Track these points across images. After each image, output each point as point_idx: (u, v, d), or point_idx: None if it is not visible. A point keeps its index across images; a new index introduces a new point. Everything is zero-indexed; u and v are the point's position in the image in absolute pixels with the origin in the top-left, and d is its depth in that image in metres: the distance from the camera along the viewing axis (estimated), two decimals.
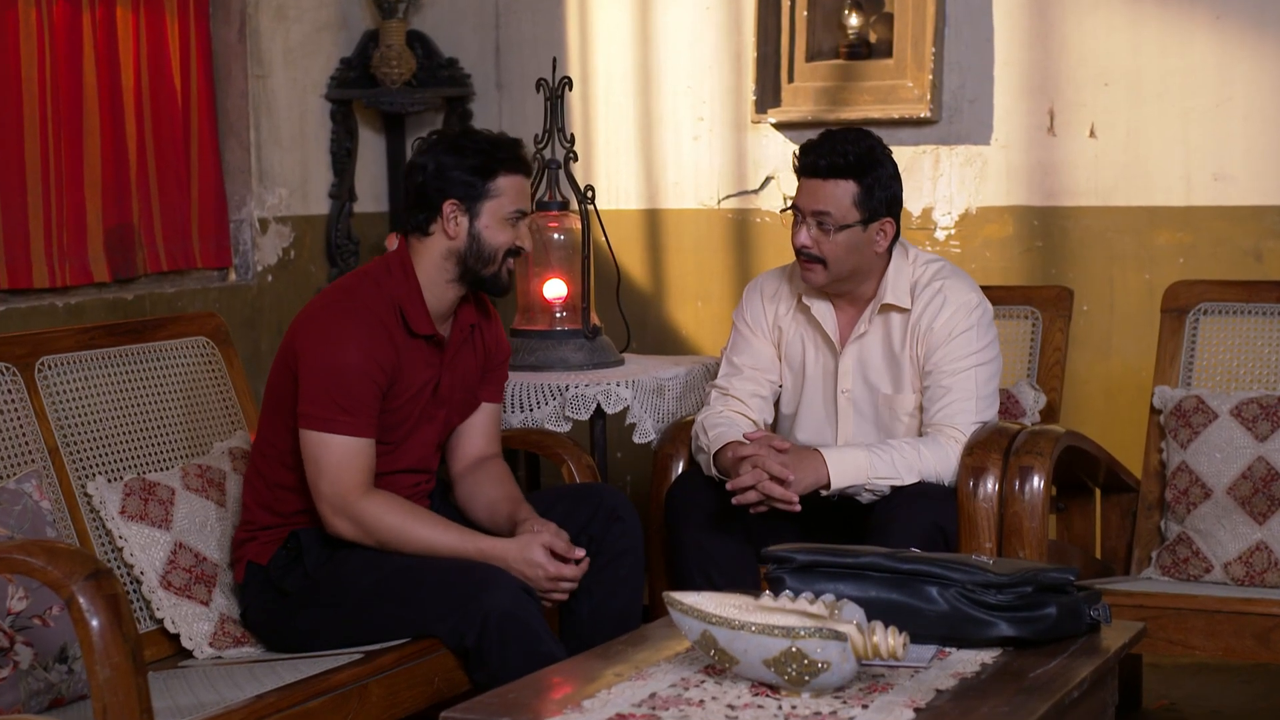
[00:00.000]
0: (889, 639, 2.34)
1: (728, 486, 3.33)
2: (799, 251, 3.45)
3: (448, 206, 3.20)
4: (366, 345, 3.13)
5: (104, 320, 4.15)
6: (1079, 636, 2.66)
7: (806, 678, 2.33)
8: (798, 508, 3.29)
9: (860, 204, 3.40)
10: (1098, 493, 3.87)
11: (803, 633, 2.32)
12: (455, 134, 3.30)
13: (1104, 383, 4.46)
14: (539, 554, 3.11)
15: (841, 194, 3.40)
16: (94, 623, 2.39)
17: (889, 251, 3.48)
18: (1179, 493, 3.63)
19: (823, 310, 3.55)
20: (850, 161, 3.39)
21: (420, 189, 3.22)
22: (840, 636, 2.31)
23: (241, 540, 3.27)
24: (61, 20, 4.27)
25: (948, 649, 2.60)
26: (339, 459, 3.11)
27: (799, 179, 3.46)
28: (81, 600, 2.39)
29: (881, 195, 3.41)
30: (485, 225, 3.21)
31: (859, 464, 3.33)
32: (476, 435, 3.43)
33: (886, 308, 3.50)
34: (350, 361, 3.11)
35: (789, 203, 3.49)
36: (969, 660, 2.55)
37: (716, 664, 2.45)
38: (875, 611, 2.50)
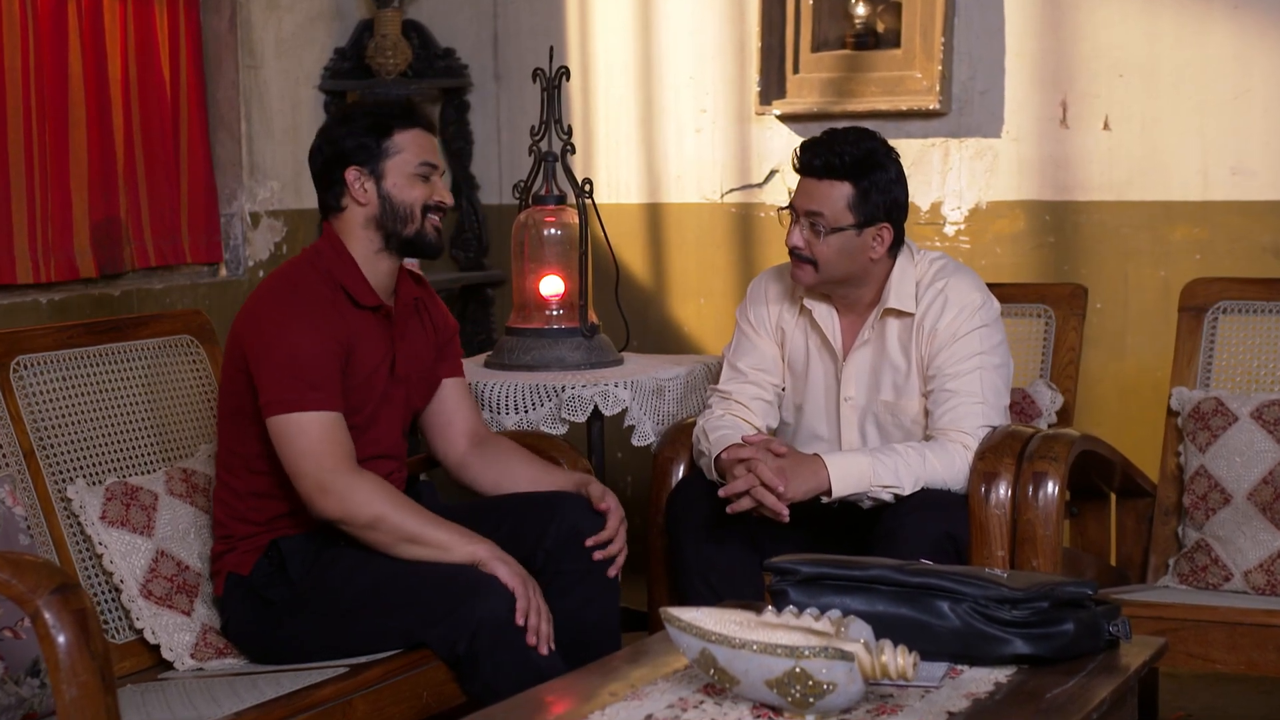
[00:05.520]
0: (898, 659, 2.23)
1: (720, 493, 3.23)
2: (790, 251, 3.37)
3: (350, 174, 3.14)
4: (317, 322, 3.06)
5: (90, 317, 4.05)
6: (1097, 654, 2.54)
7: (811, 699, 2.22)
8: (785, 519, 3.19)
9: (855, 207, 3.31)
10: (1113, 497, 3.76)
11: (807, 652, 2.20)
12: (344, 107, 3.27)
13: (1117, 383, 4.38)
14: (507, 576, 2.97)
15: (836, 196, 3.31)
16: (60, 639, 2.29)
17: (891, 256, 3.38)
18: (1197, 498, 3.52)
19: (824, 315, 3.45)
20: (846, 163, 3.31)
21: (323, 168, 3.17)
22: (847, 656, 2.20)
23: (220, 553, 3.16)
24: (46, 8, 4.18)
25: (960, 667, 2.49)
26: (317, 435, 3.00)
27: (799, 176, 3.38)
28: (47, 615, 2.29)
29: (879, 199, 3.32)
30: (393, 184, 3.15)
31: (862, 471, 3.23)
32: (455, 412, 3.37)
33: (889, 313, 3.39)
34: (305, 340, 3.03)
35: (789, 200, 3.41)
36: (982, 680, 2.44)
37: (716, 683, 2.34)
38: (884, 627, 2.39)
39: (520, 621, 2.91)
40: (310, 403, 3.00)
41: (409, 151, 3.15)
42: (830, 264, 3.34)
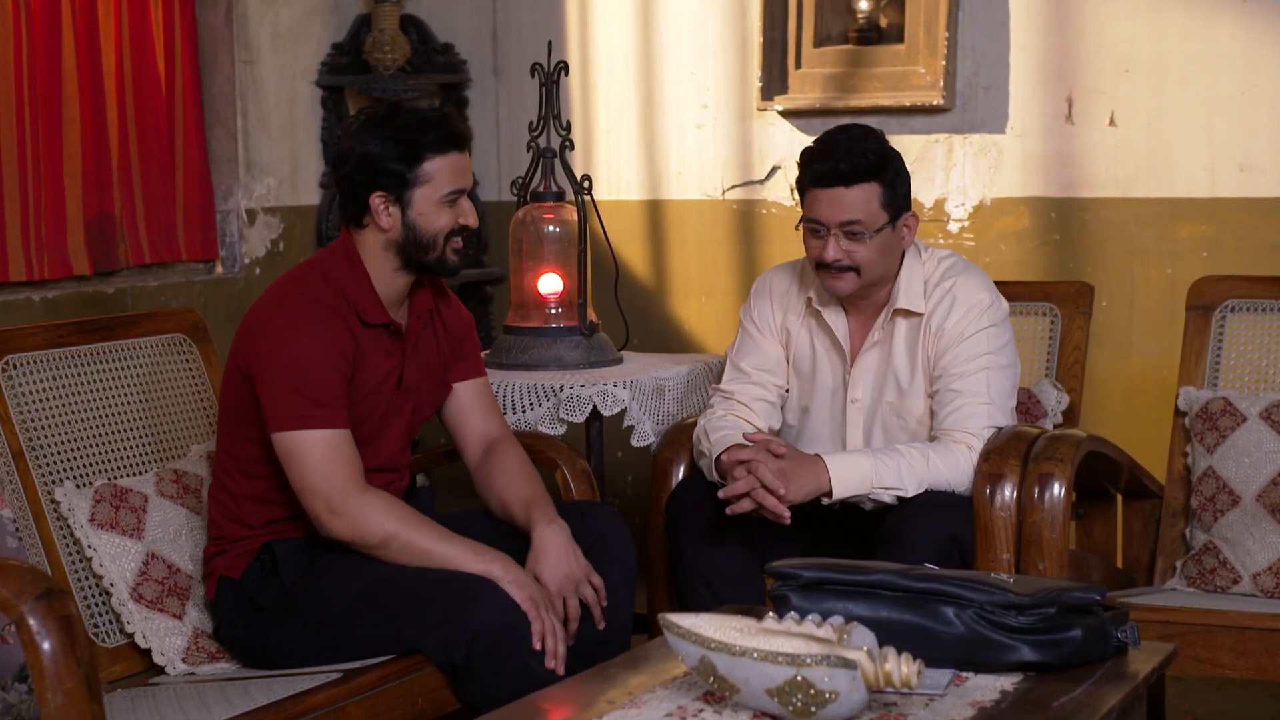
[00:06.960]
0: (902, 667, 2.18)
1: (720, 495, 3.18)
2: (829, 265, 3.26)
3: (375, 200, 3.04)
4: (324, 334, 2.98)
5: (83, 315, 4.00)
6: (1105, 660, 2.49)
7: (813, 708, 2.17)
8: (786, 520, 3.14)
9: (887, 203, 3.24)
10: (1119, 499, 3.71)
11: (809, 660, 2.15)
12: (379, 117, 3.10)
13: (1124, 382, 4.33)
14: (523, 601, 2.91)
15: (868, 198, 3.22)
16: (45, 646, 2.24)
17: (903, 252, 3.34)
18: (1205, 499, 3.46)
19: (834, 316, 3.39)
20: (872, 162, 3.22)
21: (348, 182, 3.07)
22: (849, 664, 2.15)
23: (212, 555, 3.11)
24: (40, 2, 4.13)
25: (965, 674, 2.44)
26: (323, 454, 2.94)
27: (811, 190, 3.25)
28: (32, 622, 2.24)
29: (902, 189, 3.27)
30: (419, 213, 3.05)
31: (863, 472, 3.17)
32: (472, 415, 3.28)
33: (899, 313, 3.34)
34: (311, 353, 2.95)
35: (801, 218, 3.29)
36: (988, 687, 2.39)
37: (716, 692, 2.30)
38: (887, 634, 2.33)
39: (537, 645, 2.86)
40: (314, 420, 2.94)
41: (439, 179, 3.04)
42: (873, 266, 3.27)
